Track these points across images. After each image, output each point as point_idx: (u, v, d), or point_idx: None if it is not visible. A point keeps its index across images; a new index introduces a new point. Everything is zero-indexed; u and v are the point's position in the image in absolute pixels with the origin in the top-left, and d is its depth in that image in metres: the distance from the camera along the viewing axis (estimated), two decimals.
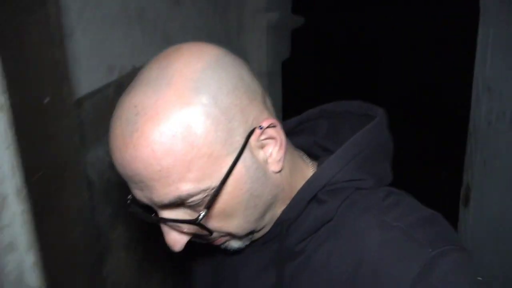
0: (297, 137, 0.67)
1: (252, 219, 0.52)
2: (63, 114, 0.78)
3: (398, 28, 4.26)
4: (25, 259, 0.72)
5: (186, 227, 0.50)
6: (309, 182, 0.55)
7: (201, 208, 0.48)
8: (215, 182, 0.46)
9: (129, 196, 0.52)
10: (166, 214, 0.50)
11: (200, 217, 0.46)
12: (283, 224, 0.56)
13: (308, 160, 0.63)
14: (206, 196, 0.47)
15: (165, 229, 0.51)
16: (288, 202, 0.57)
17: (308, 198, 0.55)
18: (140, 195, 0.48)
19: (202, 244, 0.60)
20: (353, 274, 0.52)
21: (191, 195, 0.46)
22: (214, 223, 0.50)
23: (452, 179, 2.23)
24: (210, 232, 0.49)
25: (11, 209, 0.69)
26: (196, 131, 0.44)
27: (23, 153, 0.67)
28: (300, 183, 0.57)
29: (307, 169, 0.61)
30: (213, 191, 0.47)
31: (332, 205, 0.55)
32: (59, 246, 0.80)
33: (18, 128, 0.66)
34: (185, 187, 0.45)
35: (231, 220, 0.51)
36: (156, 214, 0.51)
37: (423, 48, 4.26)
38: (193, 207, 0.49)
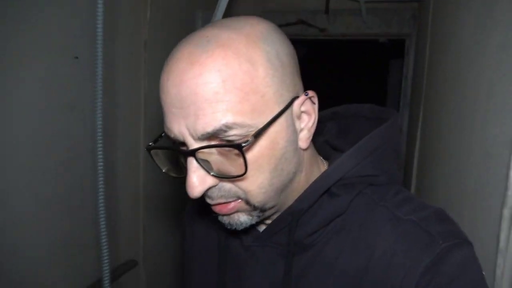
0: None
1: (274, 185, 0.51)
2: None
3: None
4: None
5: (217, 164, 0.48)
6: (324, 175, 0.54)
7: (236, 150, 0.46)
8: (260, 122, 0.46)
9: (151, 143, 0.52)
10: (199, 145, 0.47)
11: (247, 142, 0.45)
12: (293, 215, 0.54)
13: (321, 158, 0.62)
14: (246, 136, 0.46)
15: (193, 167, 0.48)
16: (299, 193, 0.55)
17: (322, 191, 0.54)
18: (178, 125, 0.47)
19: (205, 223, 0.66)
20: (364, 268, 0.52)
21: (236, 126, 0.45)
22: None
23: None
24: (246, 167, 0.46)
25: None
26: (258, 68, 0.46)
27: None
28: (314, 175, 0.56)
29: (322, 165, 0.60)
30: (256, 130, 0.46)
31: (345, 199, 0.54)
32: None
33: None
34: (233, 117, 0.45)
35: (258, 175, 0.49)
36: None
37: None
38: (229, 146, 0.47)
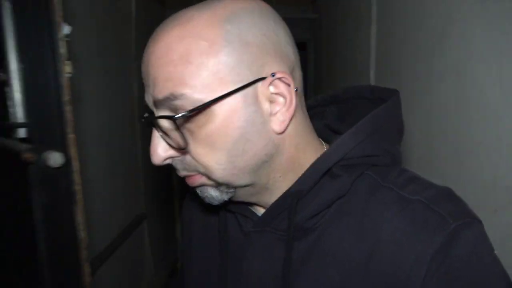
0: None
1: (236, 164, 0.49)
2: None
3: None
4: None
5: (170, 136, 0.50)
6: (325, 155, 0.52)
7: (189, 120, 0.47)
8: (209, 98, 0.46)
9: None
10: (158, 114, 0.49)
11: (180, 114, 0.46)
12: (293, 196, 0.53)
13: (321, 141, 0.60)
14: (195, 108, 0.46)
15: (154, 135, 0.50)
16: (296, 175, 0.54)
17: (323, 171, 0.52)
18: (148, 95, 0.50)
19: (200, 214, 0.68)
20: (369, 253, 0.49)
21: (183, 98, 0.46)
22: (198, 149, 0.49)
23: None
24: (186, 143, 0.48)
25: None
26: (211, 46, 0.46)
27: None
28: (312, 158, 0.54)
29: (321, 148, 0.58)
30: (203, 104, 0.46)
31: (346, 179, 0.52)
32: None
33: None
34: (181, 87, 0.46)
35: (213, 152, 0.49)
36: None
37: None
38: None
